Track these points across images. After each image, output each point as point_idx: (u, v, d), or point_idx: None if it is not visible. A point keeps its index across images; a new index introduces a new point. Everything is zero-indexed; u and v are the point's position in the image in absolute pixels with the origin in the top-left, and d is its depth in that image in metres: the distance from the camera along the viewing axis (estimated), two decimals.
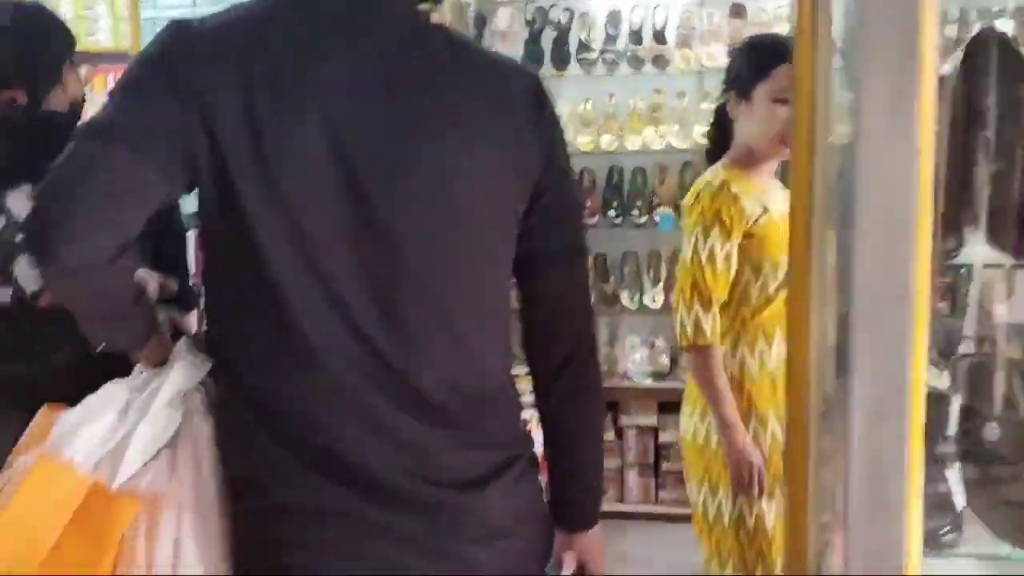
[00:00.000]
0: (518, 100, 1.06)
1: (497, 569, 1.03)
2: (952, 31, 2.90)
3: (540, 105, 1.08)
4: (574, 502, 1.20)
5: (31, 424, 1.10)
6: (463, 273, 1.02)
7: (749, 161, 1.96)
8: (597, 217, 3.74)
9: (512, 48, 3.78)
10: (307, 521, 0.98)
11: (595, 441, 1.21)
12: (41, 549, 0.97)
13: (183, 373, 1.05)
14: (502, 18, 3.81)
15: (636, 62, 3.65)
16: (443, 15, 3.61)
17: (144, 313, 1.10)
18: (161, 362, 1.10)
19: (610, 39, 3.70)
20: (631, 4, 3.71)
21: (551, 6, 3.75)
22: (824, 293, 0.80)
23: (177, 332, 1.17)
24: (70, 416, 1.05)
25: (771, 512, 1.91)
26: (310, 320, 0.97)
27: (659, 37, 3.67)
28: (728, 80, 1.98)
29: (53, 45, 1.89)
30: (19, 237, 1.03)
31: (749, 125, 1.94)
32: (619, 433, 3.70)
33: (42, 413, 1.10)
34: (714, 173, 1.98)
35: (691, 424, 1.99)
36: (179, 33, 1.01)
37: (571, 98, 3.79)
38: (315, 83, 0.97)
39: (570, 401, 1.16)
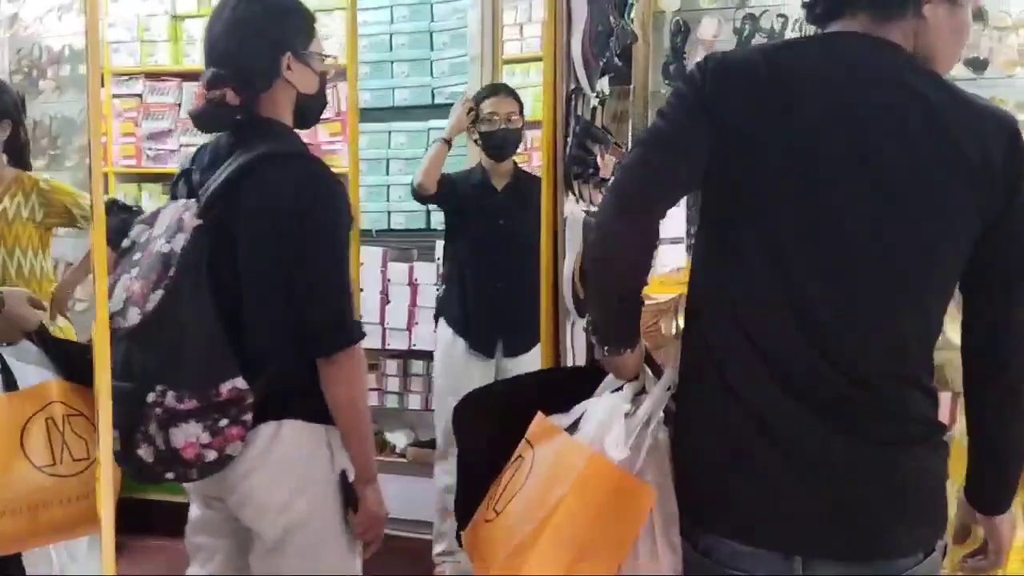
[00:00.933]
0: (991, 141, 1.22)
1: (895, 522, 1.22)
2: None
3: (1013, 148, 1.23)
4: (988, 489, 1.38)
5: (532, 426, 1.41)
6: (905, 279, 1.22)
7: None
8: None
9: None
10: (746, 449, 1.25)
11: (1019, 440, 1.33)
12: (585, 531, 1.26)
13: (665, 393, 1.35)
14: (707, 27, 3.61)
15: None
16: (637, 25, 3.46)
17: (638, 314, 1.38)
18: (632, 377, 1.41)
19: None
20: None
21: (762, 12, 3.52)
22: None
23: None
24: (589, 421, 1.37)
25: None
26: (771, 311, 1.23)
27: None
28: None
29: (267, 35, 1.67)
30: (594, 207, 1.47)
31: None
32: None
33: (540, 419, 1.41)
34: None
35: None
36: (713, 63, 1.30)
37: None
38: (814, 114, 1.22)
39: (1001, 405, 1.30)
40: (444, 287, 3.24)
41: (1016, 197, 1.23)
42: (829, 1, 1.30)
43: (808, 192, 1.21)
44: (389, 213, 3.80)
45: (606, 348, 1.39)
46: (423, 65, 3.84)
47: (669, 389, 1.36)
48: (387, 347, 3.74)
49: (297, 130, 1.77)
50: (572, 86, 2.29)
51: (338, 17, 4.05)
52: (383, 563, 3.10)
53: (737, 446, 1.25)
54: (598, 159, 2.33)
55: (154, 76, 4.14)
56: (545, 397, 1.46)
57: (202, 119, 1.71)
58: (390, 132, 3.87)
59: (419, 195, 3.10)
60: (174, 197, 1.74)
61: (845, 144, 1.20)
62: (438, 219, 4.00)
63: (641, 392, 1.38)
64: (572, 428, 1.39)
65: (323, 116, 3.95)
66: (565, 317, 2.34)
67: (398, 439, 3.89)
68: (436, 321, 3.21)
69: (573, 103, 2.30)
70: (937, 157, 1.20)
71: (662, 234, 2.85)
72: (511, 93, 3.09)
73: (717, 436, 1.28)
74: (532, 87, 4.08)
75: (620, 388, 1.42)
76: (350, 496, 1.70)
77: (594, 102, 2.45)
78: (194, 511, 1.81)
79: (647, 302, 2.99)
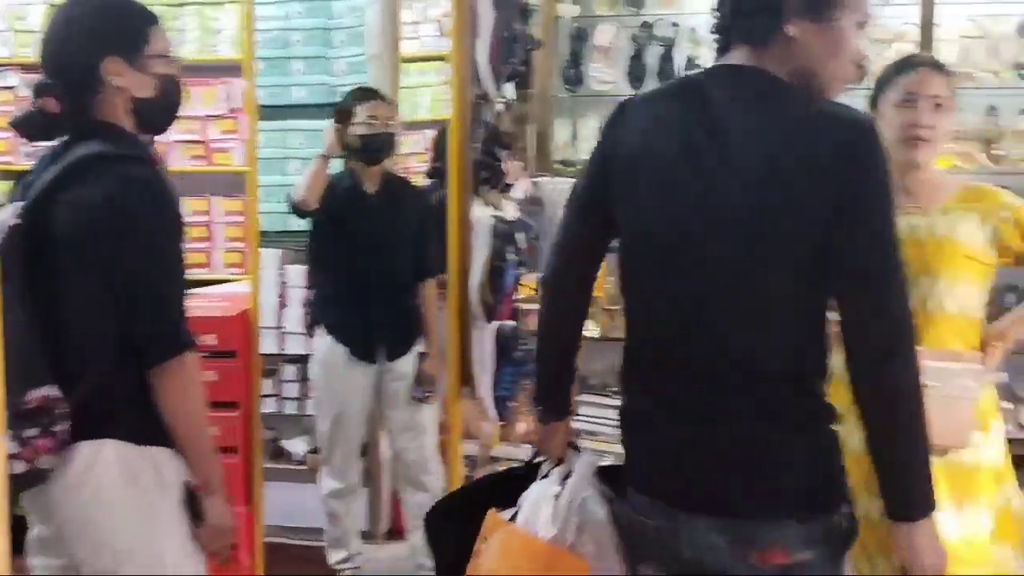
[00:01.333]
0: (829, 150, 1.29)
1: (756, 488, 1.33)
2: None
3: (851, 153, 1.29)
4: (889, 494, 1.35)
5: (485, 522, 1.54)
6: (751, 294, 1.33)
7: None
8: None
9: (614, 65, 3.65)
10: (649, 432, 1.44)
11: (908, 438, 1.33)
12: None
13: (587, 470, 1.53)
14: (604, 33, 3.67)
15: None
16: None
17: (571, 382, 1.65)
18: (559, 455, 1.60)
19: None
20: None
21: (657, 20, 3.60)
22: None
23: None
24: (524, 506, 1.54)
25: None
26: (654, 317, 1.42)
27: None
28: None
29: (91, 39, 1.60)
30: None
31: None
32: None
33: (491, 514, 1.55)
34: None
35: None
36: (613, 112, 1.46)
37: None
38: (672, 149, 1.36)
39: (877, 400, 1.32)
40: (315, 293, 3.17)
41: (853, 200, 1.29)
42: (720, 38, 1.41)
43: (658, 222, 1.37)
44: (287, 214, 3.70)
45: (539, 411, 1.64)
46: (321, 63, 3.77)
47: (592, 471, 1.53)
48: (285, 351, 3.65)
49: (146, 132, 1.70)
50: (479, 91, 2.29)
51: (231, 11, 3.93)
52: (285, 572, 3.05)
53: (643, 419, 1.45)
54: (503, 165, 2.34)
55: (30, 68, 3.91)
56: (502, 494, 1.60)
57: (23, 127, 1.64)
58: (287, 131, 3.78)
59: (299, 211, 3.05)
60: (12, 200, 1.66)
61: (688, 175, 1.34)
62: None
63: (568, 475, 1.54)
64: (514, 518, 1.54)
65: (214, 113, 3.91)
66: (472, 320, 2.34)
67: (296, 446, 3.81)
68: (311, 328, 3.14)
69: (480, 108, 2.31)
70: (768, 177, 1.29)
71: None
72: (385, 97, 3.08)
73: (633, 410, 1.48)
74: (428, 87, 4.06)
75: (547, 475, 1.60)
76: (194, 508, 1.63)
77: (499, 107, 2.46)
78: (33, 530, 1.71)
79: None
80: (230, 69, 4.00)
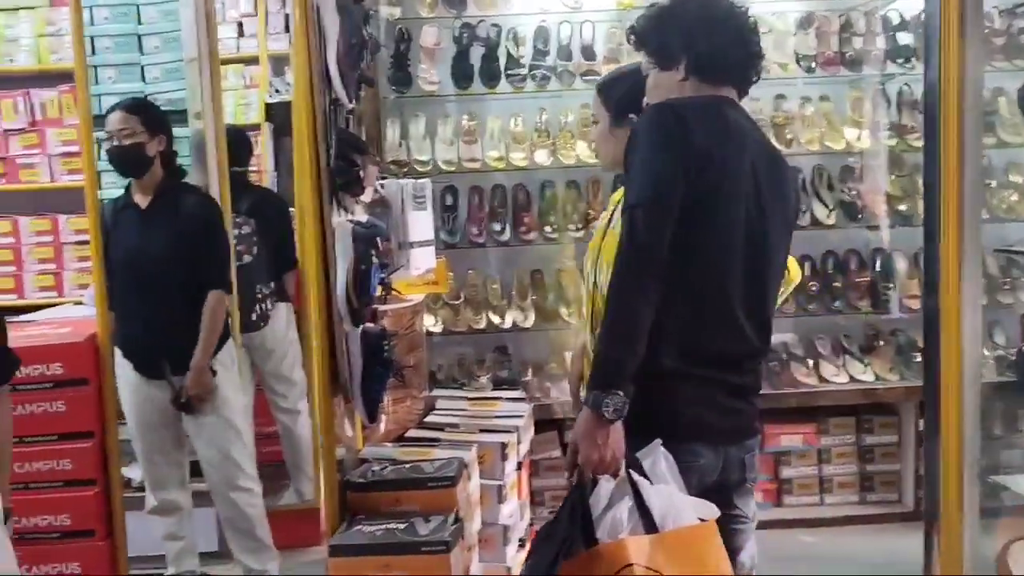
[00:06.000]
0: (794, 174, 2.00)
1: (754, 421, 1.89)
2: None
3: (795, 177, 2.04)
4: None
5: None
6: (776, 269, 1.87)
7: None
8: (535, 233, 3.74)
9: (439, 64, 3.73)
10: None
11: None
12: None
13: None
14: (428, 35, 3.73)
15: (567, 77, 3.67)
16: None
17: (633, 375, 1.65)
18: (619, 460, 1.64)
19: (539, 54, 3.70)
20: (558, 20, 3.72)
21: (479, 22, 3.71)
22: None
23: None
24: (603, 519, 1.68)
25: None
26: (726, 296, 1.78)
27: (587, 52, 3.70)
28: None
29: None
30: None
31: None
32: (565, 449, 3.69)
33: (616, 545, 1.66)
34: None
35: None
36: (674, 117, 1.71)
37: (501, 114, 3.76)
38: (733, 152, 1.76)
39: None
40: None
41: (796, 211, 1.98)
42: (711, 76, 1.80)
43: (732, 213, 1.74)
44: None
45: (616, 399, 1.59)
46: (133, 70, 3.59)
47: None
48: None
49: None
50: (331, 97, 2.30)
51: (24, 18, 3.67)
52: None
53: (700, 392, 1.76)
54: (361, 171, 2.36)
55: None
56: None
57: None
58: (100, 142, 3.57)
59: None
60: None
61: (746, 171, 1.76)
62: None
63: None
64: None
65: (17, 127, 3.62)
66: (340, 324, 2.35)
67: (133, 472, 3.63)
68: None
69: (333, 114, 2.31)
70: (783, 190, 1.84)
71: (414, 237, 2.93)
72: (128, 108, 2.88)
73: (696, 375, 1.75)
74: (231, 91, 3.87)
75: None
76: None
77: (347, 112, 2.47)
78: None
79: (402, 304, 3.07)
80: (29, 79, 3.74)
